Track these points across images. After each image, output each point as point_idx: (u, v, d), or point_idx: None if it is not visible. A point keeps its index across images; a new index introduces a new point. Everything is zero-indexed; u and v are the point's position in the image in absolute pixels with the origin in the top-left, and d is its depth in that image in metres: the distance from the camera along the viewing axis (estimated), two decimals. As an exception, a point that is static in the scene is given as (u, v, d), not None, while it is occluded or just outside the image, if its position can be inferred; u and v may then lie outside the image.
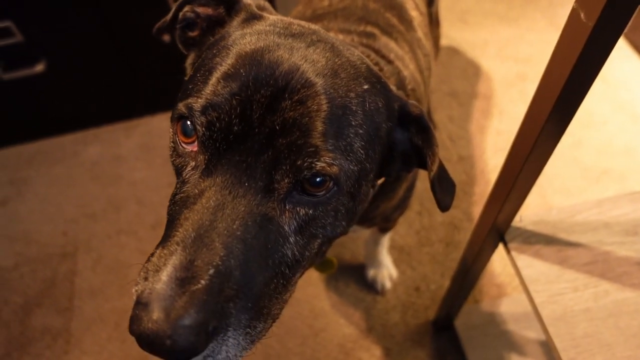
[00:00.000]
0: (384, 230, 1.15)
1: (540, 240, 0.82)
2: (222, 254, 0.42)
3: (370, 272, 1.32)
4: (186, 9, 0.61)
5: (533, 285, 0.77)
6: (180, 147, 0.50)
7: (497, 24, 2.06)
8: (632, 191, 0.88)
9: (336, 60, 0.50)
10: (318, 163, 0.45)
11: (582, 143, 1.62)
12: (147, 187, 1.65)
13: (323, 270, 0.91)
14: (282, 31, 0.52)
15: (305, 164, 0.45)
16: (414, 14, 1.01)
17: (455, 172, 1.59)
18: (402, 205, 0.93)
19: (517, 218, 0.84)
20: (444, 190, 0.58)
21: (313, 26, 0.56)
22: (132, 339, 1.33)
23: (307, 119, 0.45)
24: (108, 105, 1.85)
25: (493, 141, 1.66)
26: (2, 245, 1.54)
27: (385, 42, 0.86)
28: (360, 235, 1.41)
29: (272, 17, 0.56)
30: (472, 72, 1.89)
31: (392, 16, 0.94)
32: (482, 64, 1.91)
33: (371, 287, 1.34)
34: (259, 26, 0.53)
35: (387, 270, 1.32)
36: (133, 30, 1.62)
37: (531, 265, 0.79)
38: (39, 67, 1.59)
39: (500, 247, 0.86)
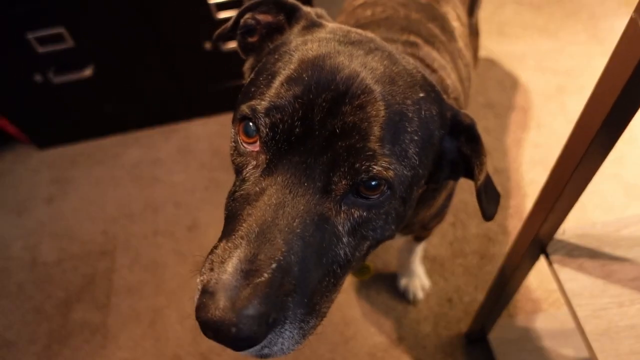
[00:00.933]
0: (419, 239, 1.14)
1: (584, 254, 0.81)
2: (283, 249, 0.43)
3: (403, 282, 1.32)
4: (247, 16, 0.63)
5: (576, 299, 0.75)
6: (242, 146, 0.52)
7: (537, 36, 2.04)
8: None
9: (393, 68, 0.52)
10: (375, 167, 0.46)
11: (625, 159, 1.58)
12: (184, 190, 1.70)
13: (360, 275, 0.91)
14: (342, 39, 0.53)
15: (363, 167, 0.46)
16: (455, 24, 1.02)
17: (490, 184, 1.57)
18: (441, 214, 0.93)
19: (559, 231, 0.83)
20: (490, 200, 0.59)
21: (370, 34, 0.57)
22: (167, 337, 1.36)
23: (366, 123, 0.46)
24: (148, 109, 1.91)
25: (530, 154, 1.64)
26: (48, 242, 1.61)
27: (427, 52, 0.87)
28: (393, 243, 1.41)
29: (331, 25, 0.58)
30: (509, 84, 1.87)
31: (434, 27, 0.95)
32: (520, 76, 1.89)
33: (403, 296, 1.33)
34: (319, 34, 0.55)
35: (419, 280, 1.31)
36: (176, 39, 1.68)
37: (574, 278, 0.78)
38: (87, 72, 1.67)
39: (540, 261, 0.85)
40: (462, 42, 1.02)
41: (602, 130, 0.57)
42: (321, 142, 0.47)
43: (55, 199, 1.74)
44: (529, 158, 1.63)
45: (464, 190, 1.56)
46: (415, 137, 0.50)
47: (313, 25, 0.58)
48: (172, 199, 1.68)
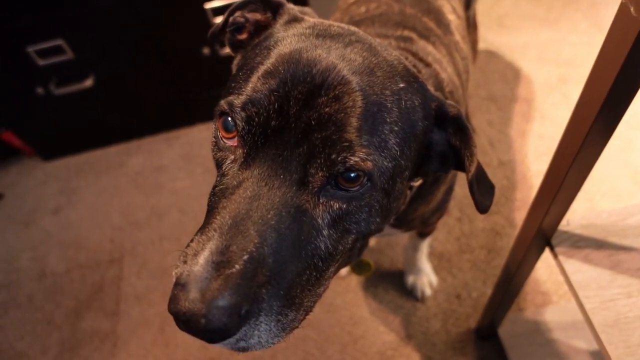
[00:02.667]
0: (422, 235, 1.13)
1: (590, 245, 0.79)
2: (256, 241, 0.43)
3: (410, 279, 1.31)
4: (237, 14, 0.64)
5: (583, 291, 0.74)
6: (222, 141, 0.52)
7: (537, 26, 2.02)
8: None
9: (373, 59, 0.51)
10: (352, 158, 0.46)
11: (632, 146, 1.55)
12: (188, 196, 1.70)
13: (359, 272, 0.90)
14: (321, 32, 0.53)
15: (340, 158, 0.46)
16: (451, 17, 1.01)
17: (496, 178, 1.55)
18: (441, 209, 0.92)
19: (564, 222, 0.81)
20: (483, 192, 0.58)
21: (352, 28, 0.57)
22: (176, 343, 1.36)
23: (342, 114, 0.46)
24: (150, 117, 1.92)
25: (535, 145, 1.62)
26: (55, 251, 1.62)
27: (422, 46, 0.86)
28: (399, 240, 1.40)
29: (313, 20, 0.58)
30: (511, 75, 1.85)
31: (429, 20, 0.94)
32: (521, 67, 1.87)
33: (411, 294, 1.32)
34: (299, 28, 0.55)
35: (426, 277, 1.30)
36: (174, 46, 1.69)
37: (580, 270, 0.76)
38: (88, 83, 1.68)
39: (546, 253, 0.84)
40: (458, 35, 1.01)
41: (599, 118, 0.56)
42: (297, 135, 0.46)
43: (62, 209, 1.75)
44: (534, 149, 1.61)
45: (469, 185, 1.54)
46: (396, 128, 0.49)
47: (294, 20, 0.58)
48: (177, 205, 1.68)
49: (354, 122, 0.46)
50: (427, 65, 0.80)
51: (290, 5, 0.61)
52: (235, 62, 0.66)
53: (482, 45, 1.94)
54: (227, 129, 0.51)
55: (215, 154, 0.53)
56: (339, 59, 0.49)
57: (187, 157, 1.85)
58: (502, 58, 1.92)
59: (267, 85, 0.48)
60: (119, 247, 1.60)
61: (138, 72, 1.75)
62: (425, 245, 1.23)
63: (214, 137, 0.54)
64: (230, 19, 0.64)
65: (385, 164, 0.48)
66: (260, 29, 0.62)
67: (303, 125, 0.46)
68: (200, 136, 1.92)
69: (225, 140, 0.51)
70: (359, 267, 0.87)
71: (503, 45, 1.97)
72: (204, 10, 1.59)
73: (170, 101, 1.87)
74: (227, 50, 1.76)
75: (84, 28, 1.58)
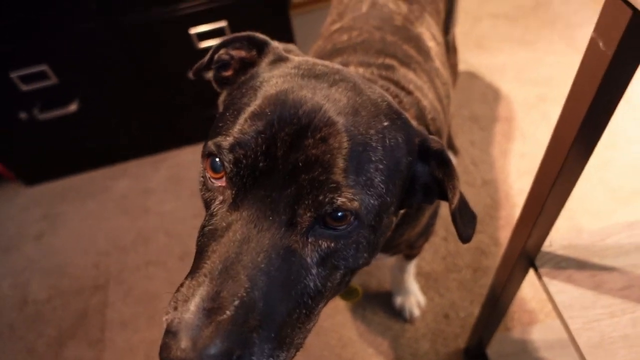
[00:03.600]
0: (409, 257, 1.14)
1: (572, 265, 0.81)
2: (246, 285, 0.44)
3: (398, 300, 1.31)
4: (221, 51, 0.65)
5: (568, 312, 0.76)
6: (210, 182, 0.52)
7: (515, 47, 2.08)
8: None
9: (357, 98, 0.52)
10: (339, 198, 0.47)
11: (610, 164, 1.60)
12: (175, 219, 1.69)
13: (348, 298, 0.91)
14: (306, 72, 0.54)
15: (327, 199, 0.47)
16: (431, 44, 1.04)
17: (479, 197, 1.58)
18: (427, 232, 0.93)
19: (546, 242, 0.83)
20: (465, 222, 0.59)
21: (337, 66, 0.58)
22: (164, 371, 1.31)
23: (329, 156, 0.47)
24: (137, 139, 1.91)
25: (517, 164, 1.65)
26: (37, 279, 1.59)
27: (404, 73, 0.88)
28: (386, 262, 1.40)
29: (298, 59, 0.59)
30: (491, 96, 1.90)
31: (410, 47, 0.97)
32: (501, 88, 1.92)
33: (399, 315, 1.32)
34: (284, 68, 0.56)
35: (414, 297, 1.30)
36: (160, 70, 1.70)
37: (564, 290, 0.78)
38: (72, 107, 1.67)
39: (531, 273, 0.85)
40: (438, 61, 1.03)
41: (575, 145, 0.58)
42: (285, 176, 0.47)
43: (45, 235, 1.72)
44: (516, 168, 1.65)
45: (454, 204, 1.57)
46: (381, 166, 0.51)
47: (280, 59, 0.59)
48: (163, 228, 1.67)
49: (340, 163, 0.47)
50: (409, 93, 0.82)
51: (275, 44, 0.62)
52: (221, 98, 0.66)
53: (462, 66, 1.99)
54: (215, 169, 0.51)
55: (204, 194, 0.54)
56: (325, 100, 0.50)
57: (173, 180, 1.84)
58: (482, 79, 1.97)
59: (254, 127, 0.49)
60: (103, 272, 1.57)
61: (123, 95, 1.75)
62: (412, 266, 1.24)
63: (202, 176, 0.54)
64: (216, 56, 0.65)
65: (372, 201, 0.49)
66: (246, 65, 0.63)
67: (290, 167, 0.47)
68: (187, 158, 1.92)
69: (213, 181, 0.52)
70: (346, 293, 0.87)
71: (483, 66, 2.02)
72: (189, 35, 1.60)
73: (157, 123, 1.87)
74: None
75: (68, 53, 1.58)
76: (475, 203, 1.56)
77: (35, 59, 1.55)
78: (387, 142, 0.52)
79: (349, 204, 0.47)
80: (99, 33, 1.55)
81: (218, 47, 0.65)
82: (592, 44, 0.47)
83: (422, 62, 0.96)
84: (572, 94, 0.55)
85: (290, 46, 0.65)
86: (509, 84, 1.93)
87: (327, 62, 0.59)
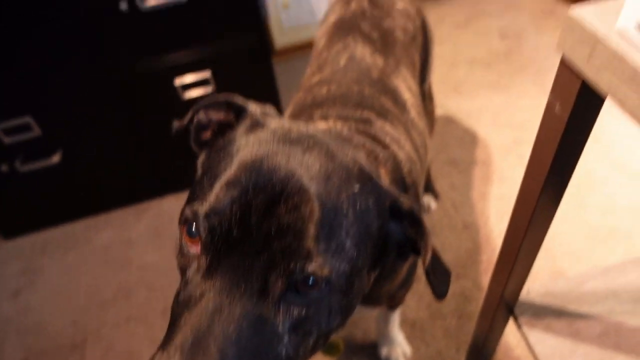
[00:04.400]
0: (392, 307, 1.14)
1: (550, 313, 0.82)
2: (217, 358, 0.43)
3: (384, 351, 1.29)
4: (200, 114, 0.66)
5: (548, 362, 0.76)
6: (185, 248, 0.53)
7: (490, 92, 2.16)
8: (636, 257, 0.88)
9: (329, 164, 0.54)
10: (310, 266, 0.47)
11: (586, 204, 1.64)
12: (157, 271, 1.66)
13: (328, 353, 0.89)
14: (281, 138, 0.56)
15: (299, 267, 0.47)
16: (407, 96, 1.07)
17: (461, 240, 1.59)
18: (407, 284, 0.94)
19: (524, 291, 0.84)
20: (439, 279, 0.60)
21: (311, 129, 0.60)
22: None
23: (300, 223, 0.48)
24: (119, 189, 1.91)
25: (496, 207, 1.68)
26: (13, 339, 1.54)
27: (381, 126, 0.91)
28: (371, 312, 1.39)
29: (274, 124, 0.60)
30: (469, 140, 1.95)
31: (387, 100, 1.00)
32: (478, 132, 1.98)
33: (386, 365, 1.30)
34: (260, 134, 0.58)
35: (400, 347, 1.29)
36: (145, 120, 1.72)
37: (543, 340, 0.78)
38: (55, 158, 1.67)
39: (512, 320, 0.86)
40: (414, 111, 1.07)
41: (542, 199, 0.60)
42: (258, 244, 0.48)
43: (22, 291, 1.68)
44: (495, 210, 1.67)
45: (437, 248, 1.58)
46: (352, 231, 0.52)
47: (257, 125, 0.60)
48: (145, 281, 1.64)
49: (311, 230, 0.48)
50: (385, 147, 0.84)
51: (253, 108, 0.64)
52: (200, 160, 0.68)
53: (440, 111, 2.05)
54: (191, 236, 0.52)
55: (179, 259, 0.54)
56: (298, 166, 0.52)
57: (156, 230, 1.82)
58: (460, 123, 2.03)
59: (229, 195, 0.50)
60: (81, 330, 1.53)
61: (107, 145, 1.76)
62: (396, 316, 1.23)
63: (179, 241, 0.54)
64: (194, 118, 0.67)
65: (343, 266, 0.50)
66: (224, 128, 0.65)
67: (263, 234, 0.48)
68: (171, 208, 1.91)
69: (189, 247, 0.52)
70: (327, 349, 0.86)
71: (460, 110, 2.09)
72: (174, 85, 1.64)
73: (140, 173, 1.87)
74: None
75: (53, 104, 1.59)
76: (457, 247, 1.58)
77: (19, 110, 1.56)
78: (358, 206, 0.53)
79: (319, 271, 0.48)
80: (84, 84, 1.57)
81: (197, 110, 0.67)
82: (549, 107, 0.50)
83: (399, 114, 1.00)
84: (534, 152, 0.57)
85: (268, 108, 0.67)
86: (485, 128, 1.99)
87: (302, 126, 0.61)
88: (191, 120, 0.68)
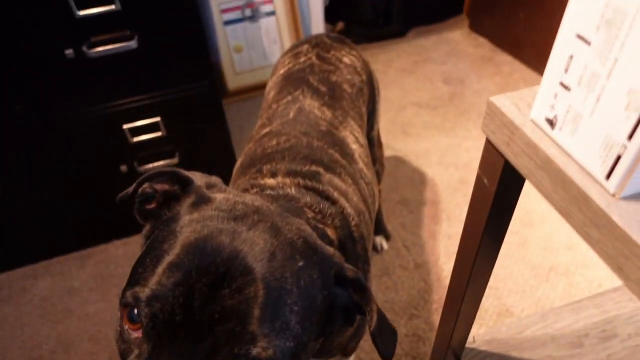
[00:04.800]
0: (346, 355, 1.13)
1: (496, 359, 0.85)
2: None
3: (338, 397, 1.27)
4: (145, 185, 0.65)
5: (494, 412, 0.78)
6: (126, 333, 0.51)
7: (436, 134, 2.26)
8: (571, 301, 0.93)
9: (274, 241, 0.55)
10: (254, 349, 0.47)
11: (528, 242, 1.72)
12: (101, 321, 1.58)
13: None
14: (225, 215, 0.56)
15: (242, 351, 0.47)
16: (354, 147, 1.11)
17: (413, 280, 1.62)
18: (358, 334, 0.94)
19: (470, 339, 0.87)
20: (385, 341, 0.61)
21: (257, 202, 0.61)
22: None
23: (244, 306, 0.48)
24: (61, 235, 1.82)
25: (445, 246, 1.74)
26: None
27: (329, 179, 0.93)
28: None
29: (218, 199, 0.60)
30: (418, 179, 2.02)
31: (335, 152, 1.03)
32: (426, 172, 2.05)
33: (340, 413, 1.28)
34: (205, 211, 0.57)
35: (355, 393, 1.28)
36: (91, 164, 1.67)
37: (489, 389, 0.81)
38: (-9, 205, 1.58)
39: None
40: (362, 162, 1.10)
41: (479, 255, 0.63)
42: (202, 329, 0.47)
43: (-52, 350, 1.54)
44: (445, 250, 1.73)
45: (389, 290, 1.60)
46: (296, 308, 0.52)
47: (201, 201, 0.60)
48: (88, 332, 1.55)
49: (255, 312, 0.48)
50: (334, 203, 0.86)
51: (198, 181, 0.64)
52: (144, 231, 0.66)
53: (390, 152, 2.13)
54: (132, 320, 0.50)
55: (120, 345, 0.52)
56: (243, 245, 0.52)
57: (101, 277, 1.74)
58: (409, 163, 2.11)
59: (172, 279, 0.49)
60: (15, 390, 1.41)
61: (50, 188, 1.68)
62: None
63: (119, 326, 0.53)
64: (140, 189, 0.66)
65: (288, 344, 0.50)
66: (170, 199, 0.64)
67: (207, 318, 0.47)
68: (117, 253, 1.84)
69: (130, 332, 0.51)
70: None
71: (409, 151, 2.17)
72: (123, 130, 1.61)
73: (85, 218, 1.79)
74: (147, 166, 1.76)
75: (-11, 151, 1.52)
76: (410, 286, 1.61)
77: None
78: (302, 282, 0.54)
79: (263, 353, 0.47)
80: (27, 128, 1.51)
81: (142, 181, 0.66)
82: (479, 179, 0.54)
83: (347, 166, 1.02)
84: (469, 216, 0.61)
85: (213, 180, 0.67)
86: (433, 168, 2.07)
87: (247, 200, 0.61)
88: (136, 191, 0.67)
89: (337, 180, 0.95)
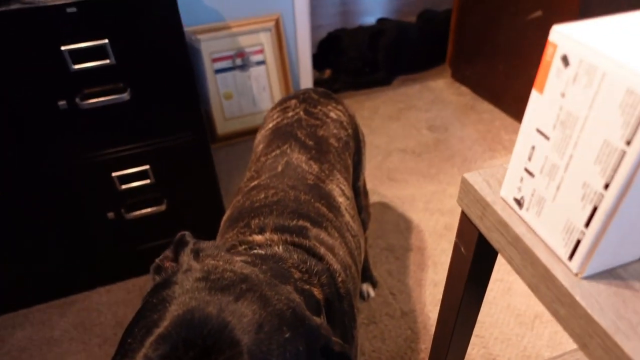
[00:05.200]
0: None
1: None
2: None
3: None
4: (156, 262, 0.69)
5: None
6: None
7: (421, 180, 2.31)
8: (555, 356, 0.95)
9: (262, 312, 0.56)
10: None
11: (512, 289, 1.74)
12: (81, 374, 1.54)
13: None
14: (213, 284, 0.58)
15: None
16: (341, 200, 1.14)
17: (400, 329, 1.62)
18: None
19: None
20: None
21: (246, 270, 0.62)
22: None
23: None
24: (43, 282, 1.79)
25: (431, 293, 1.74)
26: None
27: (316, 234, 0.95)
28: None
29: (209, 266, 0.62)
30: (404, 226, 2.05)
31: (322, 205, 1.05)
32: (412, 218, 2.09)
33: None
34: (194, 282, 0.59)
35: None
36: (77, 211, 1.67)
37: None
38: (-27, 253, 1.56)
39: None
40: (348, 215, 1.13)
41: (460, 315, 0.65)
42: None
43: None
44: (431, 297, 1.73)
45: (376, 338, 1.59)
46: None
47: (191, 268, 0.62)
48: (66, 386, 1.51)
49: None
50: (320, 259, 0.87)
51: (189, 247, 0.66)
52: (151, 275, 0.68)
53: (376, 197, 2.16)
54: None
55: None
56: (230, 317, 0.54)
57: (82, 326, 1.70)
58: (395, 209, 2.14)
59: (159, 353, 0.50)
60: None
61: (34, 234, 1.67)
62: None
63: None
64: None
65: None
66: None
67: None
68: (100, 300, 1.81)
69: None
70: None
71: (394, 197, 2.21)
72: (112, 177, 1.62)
73: (68, 265, 1.77)
74: (133, 214, 1.76)
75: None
76: (396, 335, 1.60)
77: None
78: (288, 354, 0.55)
79: None
80: (16, 174, 1.52)
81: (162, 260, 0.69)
82: (456, 247, 0.57)
83: (334, 219, 1.05)
84: (448, 280, 0.63)
85: (202, 245, 0.69)
86: (418, 214, 2.10)
87: (236, 268, 0.63)
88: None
89: (323, 235, 0.97)
